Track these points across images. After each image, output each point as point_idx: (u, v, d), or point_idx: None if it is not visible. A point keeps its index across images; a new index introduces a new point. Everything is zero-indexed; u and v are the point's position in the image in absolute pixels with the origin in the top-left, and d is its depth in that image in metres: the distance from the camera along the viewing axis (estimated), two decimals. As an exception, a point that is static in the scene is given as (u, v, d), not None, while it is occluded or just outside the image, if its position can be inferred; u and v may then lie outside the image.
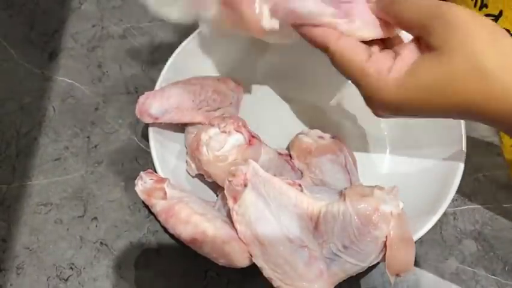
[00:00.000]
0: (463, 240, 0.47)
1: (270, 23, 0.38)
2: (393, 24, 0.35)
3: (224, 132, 0.43)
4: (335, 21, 0.35)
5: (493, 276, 0.45)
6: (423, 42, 0.33)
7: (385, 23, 0.36)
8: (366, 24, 0.36)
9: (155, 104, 0.45)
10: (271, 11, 0.37)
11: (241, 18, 0.38)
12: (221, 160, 0.42)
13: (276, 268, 0.37)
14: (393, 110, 0.35)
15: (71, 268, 0.45)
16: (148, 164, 0.51)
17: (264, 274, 0.37)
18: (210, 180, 0.44)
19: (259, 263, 0.37)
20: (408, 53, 0.33)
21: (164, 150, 0.48)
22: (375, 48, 0.37)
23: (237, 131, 0.43)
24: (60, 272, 0.45)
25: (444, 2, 0.32)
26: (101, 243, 0.47)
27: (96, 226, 0.48)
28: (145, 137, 0.50)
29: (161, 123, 0.46)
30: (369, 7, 0.36)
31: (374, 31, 0.36)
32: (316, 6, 0.35)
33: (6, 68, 0.58)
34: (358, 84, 0.35)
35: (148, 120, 0.46)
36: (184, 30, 0.60)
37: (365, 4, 0.36)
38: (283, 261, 0.36)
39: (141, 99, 0.46)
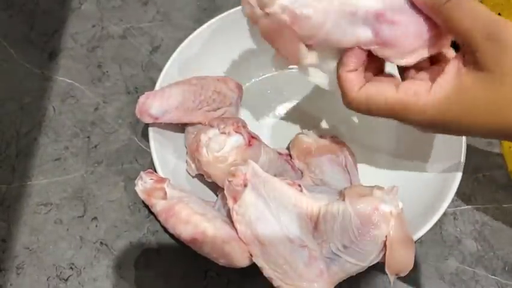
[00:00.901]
0: (463, 240, 0.47)
1: (309, 59, 0.38)
2: (441, 27, 0.33)
3: (223, 133, 0.43)
4: (371, 48, 0.35)
5: (493, 276, 0.45)
6: (469, 58, 0.31)
7: (430, 41, 0.34)
8: (402, 53, 0.35)
9: (155, 104, 0.45)
10: (307, 45, 0.37)
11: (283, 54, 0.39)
12: (221, 161, 0.42)
13: (276, 268, 0.37)
14: (439, 128, 0.34)
15: (71, 268, 0.45)
16: (148, 164, 0.51)
17: (264, 274, 0.37)
18: (209, 180, 0.44)
19: (260, 262, 0.37)
20: (452, 70, 0.32)
21: (164, 150, 0.48)
22: (411, 73, 0.36)
23: (237, 132, 0.43)
24: (61, 272, 0.45)
25: (501, 18, 0.30)
26: (101, 243, 0.47)
27: (96, 226, 0.48)
28: (145, 137, 0.50)
29: (161, 123, 0.46)
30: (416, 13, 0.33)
31: (408, 59, 0.35)
32: (353, 34, 0.34)
33: (6, 68, 0.58)
34: (403, 118, 0.34)
35: (148, 120, 0.46)
36: (184, 31, 0.60)
37: (410, 23, 0.34)
38: (283, 261, 0.37)
39: (141, 99, 0.46)
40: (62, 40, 0.60)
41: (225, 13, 0.54)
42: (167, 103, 0.46)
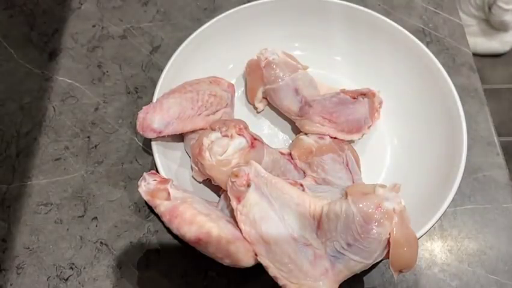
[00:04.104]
0: (463, 240, 0.47)
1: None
2: None
3: (226, 136, 0.43)
4: None
5: (493, 276, 0.45)
6: None
7: None
8: None
9: (156, 118, 0.44)
10: None
11: None
12: (224, 164, 0.42)
13: (282, 267, 0.37)
14: None
15: (71, 268, 0.45)
16: (149, 164, 0.51)
17: (270, 273, 0.37)
18: (214, 184, 0.43)
19: (265, 261, 0.38)
20: None
21: (166, 152, 0.48)
22: None
23: (239, 134, 0.43)
24: (61, 272, 0.45)
25: None
26: (101, 243, 0.47)
27: (96, 226, 0.48)
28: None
29: (164, 136, 0.45)
30: None
31: None
32: None
33: (6, 68, 0.58)
34: None
35: (151, 135, 0.45)
36: (184, 31, 0.60)
37: None
38: (288, 260, 0.37)
39: (141, 114, 0.45)
40: (62, 40, 0.60)
41: (225, 13, 0.54)
42: (168, 115, 0.45)
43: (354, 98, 0.49)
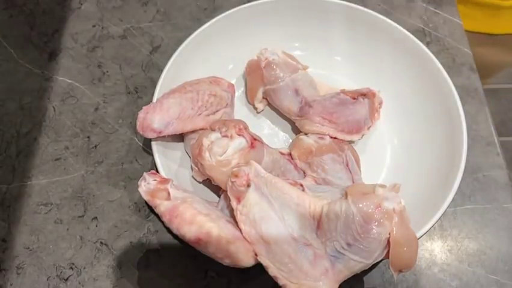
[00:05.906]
0: (463, 240, 0.47)
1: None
2: None
3: (226, 136, 0.43)
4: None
5: (493, 276, 0.45)
6: None
7: None
8: None
9: (156, 118, 0.44)
10: None
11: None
12: (224, 165, 0.41)
13: (282, 266, 0.37)
14: None
15: (71, 268, 0.45)
16: (149, 164, 0.51)
17: (270, 273, 0.37)
18: (214, 184, 0.43)
19: (265, 261, 0.38)
20: None
21: (166, 152, 0.48)
22: None
23: (239, 135, 0.43)
24: (61, 272, 0.45)
25: None
26: (101, 243, 0.47)
27: (96, 226, 0.48)
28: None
29: (164, 136, 0.45)
30: None
31: None
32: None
33: (6, 68, 0.58)
34: None
35: (151, 135, 0.45)
36: (184, 31, 0.60)
37: None
38: (288, 260, 0.37)
39: (141, 114, 0.45)
40: (62, 40, 0.60)
41: (225, 13, 0.54)
42: (168, 115, 0.45)
43: (354, 99, 0.49)
